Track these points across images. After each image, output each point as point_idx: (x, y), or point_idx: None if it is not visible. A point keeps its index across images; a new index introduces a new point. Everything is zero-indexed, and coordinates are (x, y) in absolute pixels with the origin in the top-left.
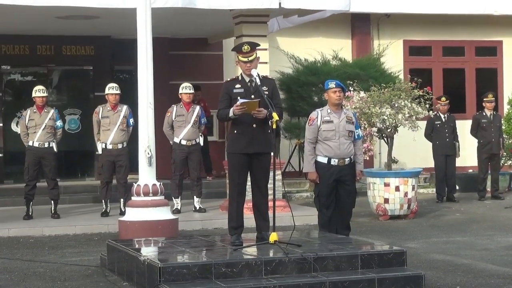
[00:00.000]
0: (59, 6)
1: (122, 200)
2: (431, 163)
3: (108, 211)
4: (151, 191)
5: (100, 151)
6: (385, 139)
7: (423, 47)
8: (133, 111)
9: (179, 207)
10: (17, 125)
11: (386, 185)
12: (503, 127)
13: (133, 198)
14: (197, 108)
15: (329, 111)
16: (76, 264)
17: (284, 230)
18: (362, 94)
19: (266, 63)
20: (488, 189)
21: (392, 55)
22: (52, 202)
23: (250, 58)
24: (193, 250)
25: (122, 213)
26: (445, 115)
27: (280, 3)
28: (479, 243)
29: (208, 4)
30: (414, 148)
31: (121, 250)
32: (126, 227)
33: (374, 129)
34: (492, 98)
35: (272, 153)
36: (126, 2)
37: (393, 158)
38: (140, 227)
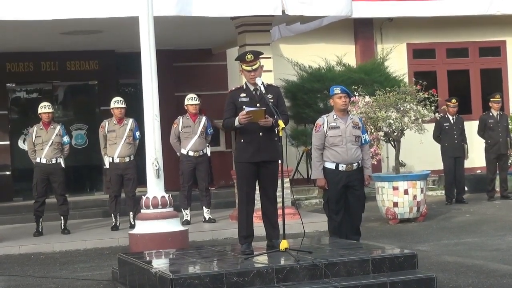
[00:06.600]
0: (60, 19)
1: (131, 213)
2: (439, 166)
3: (117, 224)
4: (160, 203)
5: (107, 165)
6: (392, 143)
7: (426, 50)
8: (139, 124)
9: (188, 218)
10: (24, 142)
11: (395, 189)
12: (510, 127)
13: (142, 211)
14: (203, 118)
15: (335, 117)
16: (88, 278)
17: (294, 237)
18: (367, 98)
19: (270, 71)
20: (497, 189)
21: (396, 58)
22: (62, 217)
23: (254, 67)
24: (204, 261)
25: (132, 226)
26: (454, 117)
27: (283, 11)
28: (490, 243)
29: (214, 12)
30: (421, 151)
31: (132, 263)
32: (136, 240)
33: (381, 133)
34: (499, 99)
35: (279, 161)
36: (128, 11)
37: (400, 161)
38: (150, 239)
